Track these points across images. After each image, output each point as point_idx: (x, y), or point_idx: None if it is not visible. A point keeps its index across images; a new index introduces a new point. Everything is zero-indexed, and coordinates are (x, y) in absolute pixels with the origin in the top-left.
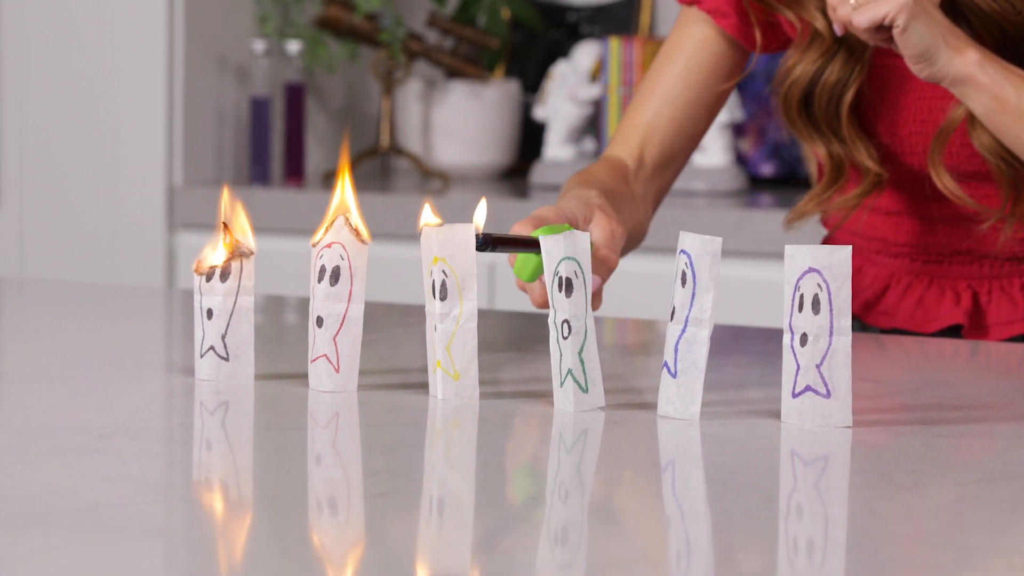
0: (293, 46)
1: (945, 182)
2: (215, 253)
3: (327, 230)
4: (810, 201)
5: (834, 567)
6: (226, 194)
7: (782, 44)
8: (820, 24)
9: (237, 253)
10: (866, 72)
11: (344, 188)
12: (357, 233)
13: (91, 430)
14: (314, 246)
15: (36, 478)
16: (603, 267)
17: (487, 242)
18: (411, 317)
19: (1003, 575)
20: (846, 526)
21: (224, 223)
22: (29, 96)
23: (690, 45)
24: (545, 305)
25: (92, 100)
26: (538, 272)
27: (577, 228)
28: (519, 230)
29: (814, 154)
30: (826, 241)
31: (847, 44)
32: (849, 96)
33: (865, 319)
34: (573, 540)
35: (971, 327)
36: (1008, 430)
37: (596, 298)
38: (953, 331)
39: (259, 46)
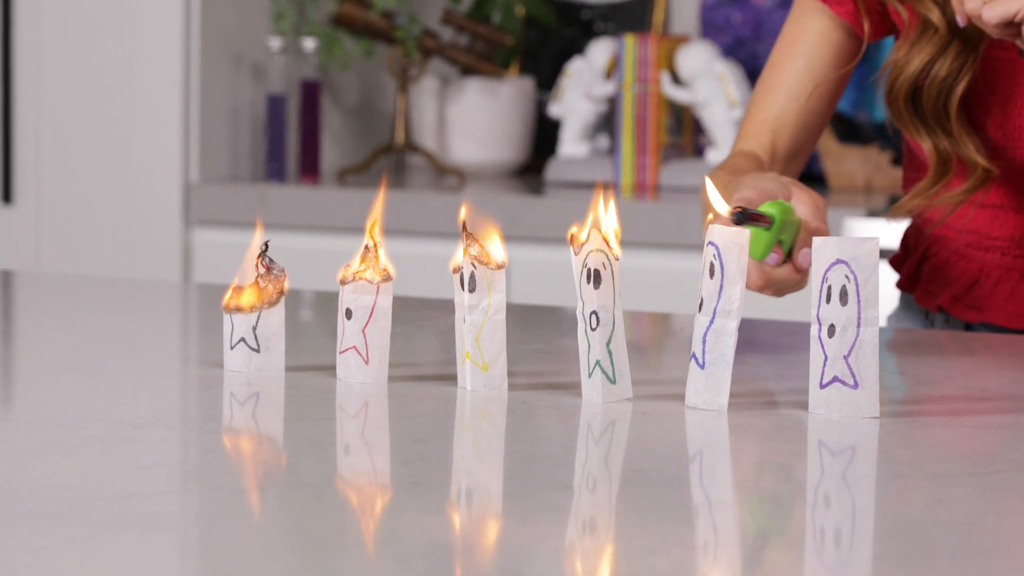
0: (309, 43)
1: None
2: (247, 286)
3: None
4: (915, 197)
5: (861, 557)
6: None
7: (889, 30)
8: (935, 16)
9: (270, 302)
10: (978, 66)
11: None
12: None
13: (123, 421)
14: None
15: (71, 468)
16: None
17: (744, 216)
18: (430, 311)
19: None
20: (873, 516)
21: (259, 254)
22: (45, 93)
23: (811, 36)
24: (760, 288)
25: (109, 97)
26: (769, 248)
27: None
28: None
29: (918, 149)
30: (908, 230)
31: (960, 36)
32: (960, 90)
33: (952, 311)
34: (601, 529)
35: None
36: None
37: (805, 276)
38: None
39: (275, 43)
